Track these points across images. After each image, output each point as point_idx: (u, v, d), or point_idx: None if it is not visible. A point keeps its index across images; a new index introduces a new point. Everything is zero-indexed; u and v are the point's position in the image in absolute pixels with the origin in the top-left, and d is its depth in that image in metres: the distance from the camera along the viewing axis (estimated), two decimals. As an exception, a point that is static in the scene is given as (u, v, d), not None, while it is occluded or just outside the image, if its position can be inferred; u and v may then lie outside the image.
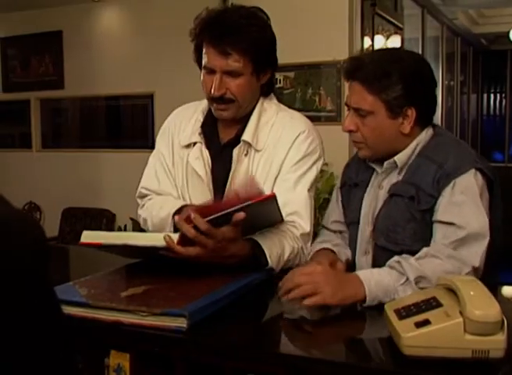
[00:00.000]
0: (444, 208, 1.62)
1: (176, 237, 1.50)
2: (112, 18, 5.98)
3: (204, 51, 1.82)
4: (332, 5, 4.20)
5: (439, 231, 1.61)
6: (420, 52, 6.03)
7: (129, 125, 6.15)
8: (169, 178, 1.98)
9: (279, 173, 1.84)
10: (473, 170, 1.63)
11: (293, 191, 1.81)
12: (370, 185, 1.83)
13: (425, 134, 1.75)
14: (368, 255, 1.78)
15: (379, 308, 1.32)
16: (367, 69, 1.70)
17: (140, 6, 5.74)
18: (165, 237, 1.50)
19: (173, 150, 1.97)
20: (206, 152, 1.90)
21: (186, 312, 1.25)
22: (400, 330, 1.14)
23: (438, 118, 6.77)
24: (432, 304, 1.19)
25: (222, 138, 1.92)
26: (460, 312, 1.11)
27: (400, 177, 1.74)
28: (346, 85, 1.89)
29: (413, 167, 1.72)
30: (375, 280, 1.45)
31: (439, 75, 6.80)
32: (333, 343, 1.34)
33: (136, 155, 5.65)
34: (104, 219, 5.84)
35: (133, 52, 5.78)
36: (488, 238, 1.57)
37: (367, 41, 4.53)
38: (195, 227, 1.49)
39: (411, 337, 1.11)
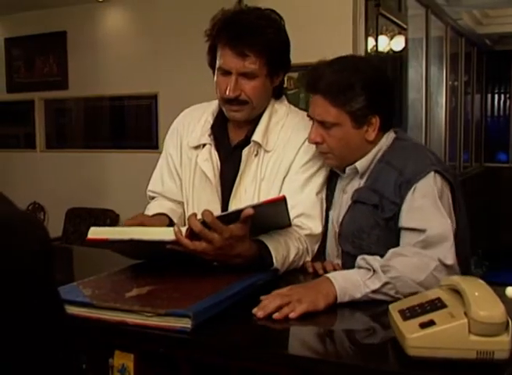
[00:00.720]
0: (406, 214, 1.65)
1: (184, 230, 1.51)
2: (117, 18, 5.98)
3: (219, 52, 1.81)
4: (336, 5, 4.20)
5: (403, 238, 1.64)
6: (424, 53, 6.02)
7: (133, 125, 6.16)
8: (175, 179, 1.98)
9: (287, 174, 1.84)
10: (432, 174, 1.67)
11: (300, 193, 1.81)
12: (336, 190, 1.86)
13: (386, 139, 1.79)
14: (339, 260, 1.80)
15: (384, 308, 1.31)
16: (328, 80, 1.70)
17: (144, 7, 5.75)
18: (174, 229, 1.50)
19: (181, 151, 1.98)
20: (215, 154, 1.90)
21: (191, 313, 1.25)
22: (405, 331, 1.13)
23: (442, 118, 6.75)
24: (436, 304, 1.18)
25: (231, 140, 1.92)
26: (465, 313, 1.10)
27: (362, 182, 1.77)
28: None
29: (375, 173, 1.75)
30: (341, 276, 1.47)
31: (442, 75, 6.78)
32: (337, 343, 1.34)
33: (140, 155, 5.66)
34: (108, 220, 5.85)
35: (137, 53, 5.78)
36: (452, 239, 1.59)
37: (371, 42, 4.52)
38: (203, 223, 1.50)
39: (416, 337, 1.11)
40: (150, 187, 2.06)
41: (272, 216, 1.65)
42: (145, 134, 5.94)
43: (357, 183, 1.78)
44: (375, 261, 1.50)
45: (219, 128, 1.93)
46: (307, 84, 1.77)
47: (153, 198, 2.04)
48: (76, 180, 6.18)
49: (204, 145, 1.92)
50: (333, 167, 1.85)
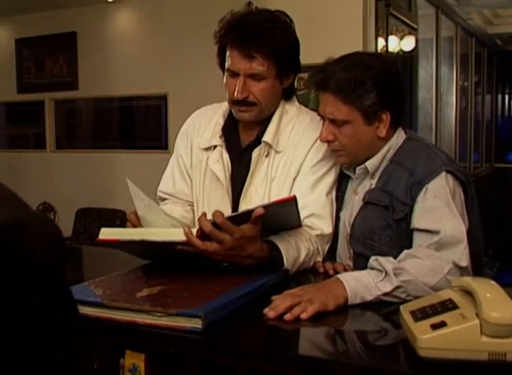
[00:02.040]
0: (419, 215, 1.64)
1: (194, 231, 1.51)
2: (126, 19, 6.00)
3: (227, 54, 1.82)
4: (346, 5, 4.19)
5: (416, 238, 1.63)
6: (434, 53, 6.01)
7: (142, 126, 6.17)
8: (186, 180, 1.99)
9: (297, 175, 1.84)
10: (443, 174, 1.65)
11: (310, 194, 1.81)
12: (346, 192, 1.85)
13: (396, 138, 1.78)
14: (350, 261, 1.80)
15: (395, 309, 1.31)
16: (339, 78, 1.68)
17: (153, 7, 5.76)
18: (184, 229, 1.50)
19: (191, 152, 1.98)
20: (226, 156, 1.90)
21: (202, 313, 1.25)
22: (416, 332, 1.13)
23: (452, 119, 6.73)
24: (447, 306, 1.18)
25: (242, 141, 1.93)
26: (477, 314, 1.10)
27: (373, 182, 1.77)
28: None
29: (386, 174, 1.74)
30: (353, 278, 1.46)
31: (453, 76, 6.76)
32: (348, 344, 1.34)
33: (150, 155, 5.68)
34: (118, 220, 5.86)
35: (147, 53, 5.79)
36: (465, 241, 1.57)
37: (381, 42, 4.51)
38: (214, 223, 1.50)
39: (427, 339, 1.11)
40: (161, 188, 2.06)
41: (283, 216, 1.65)
42: (155, 135, 5.95)
43: (369, 183, 1.78)
44: (387, 263, 1.48)
45: (230, 129, 1.93)
46: (315, 83, 1.76)
47: (163, 199, 2.04)
48: (85, 181, 6.20)
49: (214, 147, 1.92)
50: (345, 164, 1.84)
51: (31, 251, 0.71)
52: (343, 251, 1.83)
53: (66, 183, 6.31)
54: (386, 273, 1.46)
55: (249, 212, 1.52)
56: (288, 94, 1.93)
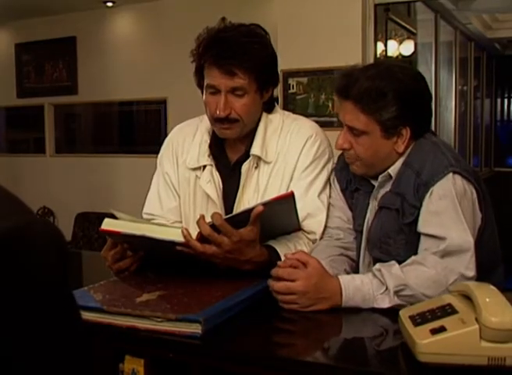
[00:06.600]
0: (424, 219, 1.59)
1: (194, 234, 1.51)
2: (126, 24, 6.01)
3: (206, 71, 1.78)
4: (345, 9, 4.20)
5: (422, 243, 1.59)
6: (433, 57, 6.02)
7: (141, 130, 6.18)
8: (175, 198, 1.95)
9: (291, 181, 1.83)
10: (450, 175, 1.59)
11: (305, 197, 1.80)
12: (370, 202, 1.79)
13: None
14: (371, 266, 1.77)
15: (394, 314, 1.31)
16: (361, 87, 1.63)
17: (153, 12, 5.77)
18: (182, 231, 1.51)
19: (178, 169, 1.94)
20: (217, 174, 1.87)
21: (201, 318, 1.25)
22: (416, 337, 1.13)
23: (451, 123, 6.74)
24: (447, 310, 1.18)
25: (230, 157, 1.90)
26: (476, 319, 1.10)
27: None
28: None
29: (398, 176, 1.68)
30: (354, 286, 1.45)
31: (452, 80, 6.78)
32: (348, 350, 1.34)
33: (149, 160, 5.65)
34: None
35: (146, 58, 5.81)
36: (472, 250, 1.52)
37: (380, 46, 4.52)
38: (213, 226, 1.50)
39: (427, 343, 1.11)
40: (147, 210, 1.98)
41: (281, 215, 1.64)
42: (154, 139, 5.95)
43: (388, 188, 1.72)
44: (390, 279, 1.46)
45: (217, 147, 1.90)
46: (338, 89, 1.70)
47: (149, 220, 1.95)
48: (85, 185, 6.20)
49: (204, 167, 1.89)
50: (358, 174, 1.78)
51: (35, 256, 0.72)
52: (362, 256, 1.80)
53: (65, 188, 6.31)
54: (387, 288, 1.45)
55: (248, 211, 1.52)
56: (268, 108, 1.90)
